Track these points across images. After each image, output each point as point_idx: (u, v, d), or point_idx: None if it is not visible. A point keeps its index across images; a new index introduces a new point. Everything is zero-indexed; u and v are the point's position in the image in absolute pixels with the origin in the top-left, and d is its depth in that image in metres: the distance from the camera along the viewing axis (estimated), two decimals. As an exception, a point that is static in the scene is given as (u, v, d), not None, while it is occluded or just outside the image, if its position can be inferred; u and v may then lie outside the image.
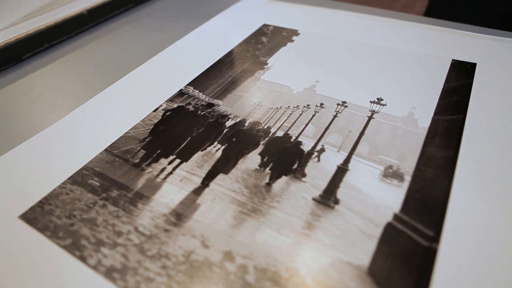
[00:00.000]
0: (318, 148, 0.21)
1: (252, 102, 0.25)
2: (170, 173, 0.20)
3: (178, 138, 0.22)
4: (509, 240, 0.16)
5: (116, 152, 0.22)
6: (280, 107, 0.25)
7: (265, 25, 0.35)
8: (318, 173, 0.20)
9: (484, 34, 0.31)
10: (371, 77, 0.27)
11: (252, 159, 0.21)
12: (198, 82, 0.27)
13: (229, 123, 0.23)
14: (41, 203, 0.19)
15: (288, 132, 0.22)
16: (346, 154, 0.21)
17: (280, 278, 0.15)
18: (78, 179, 0.20)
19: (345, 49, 0.30)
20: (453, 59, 0.28)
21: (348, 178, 0.19)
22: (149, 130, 0.23)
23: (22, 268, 0.16)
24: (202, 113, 0.24)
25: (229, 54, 0.31)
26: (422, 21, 0.34)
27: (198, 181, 0.20)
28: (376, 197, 0.18)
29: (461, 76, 0.26)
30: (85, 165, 0.21)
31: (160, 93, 0.26)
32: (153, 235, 0.17)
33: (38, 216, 0.18)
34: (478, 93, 0.25)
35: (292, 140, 0.22)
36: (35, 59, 0.32)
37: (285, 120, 0.23)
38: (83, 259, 0.16)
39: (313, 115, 0.24)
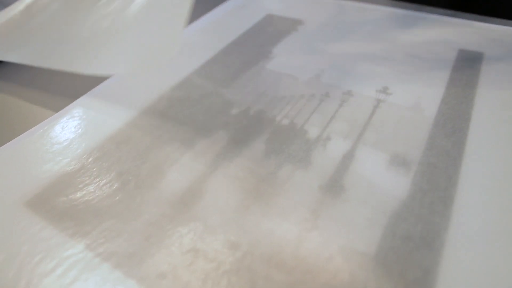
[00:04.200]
0: (323, 136, 0.21)
1: (257, 91, 0.25)
2: (175, 161, 0.20)
3: (182, 127, 0.22)
4: (518, 228, 0.16)
5: (119, 141, 0.21)
6: (285, 96, 0.24)
7: (268, 15, 0.34)
8: (324, 162, 0.20)
9: (491, 24, 0.31)
10: (377, 66, 0.27)
11: (258, 147, 0.21)
12: (203, 70, 0.27)
13: (233, 112, 0.23)
14: (46, 191, 0.19)
15: (294, 121, 0.22)
16: (352, 143, 0.21)
17: (286, 266, 0.15)
18: (83, 167, 0.20)
19: (350, 38, 0.30)
20: (459, 48, 0.28)
21: (354, 166, 0.19)
22: (153, 119, 0.23)
23: (27, 255, 0.16)
24: (207, 101, 0.24)
25: (233, 44, 0.30)
26: (428, 10, 0.34)
27: (203, 169, 0.20)
28: (383, 186, 0.18)
29: (468, 66, 0.26)
30: (89, 154, 0.21)
31: (164, 82, 0.26)
32: (159, 222, 0.17)
33: (43, 204, 0.18)
34: (485, 82, 0.24)
35: (297, 128, 0.22)
36: (38, 48, 0.32)
37: (290, 109, 0.23)
38: (89, 246, 0.16)
39: (319, 104, 0.24)
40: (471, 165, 0.19)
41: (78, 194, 0.18)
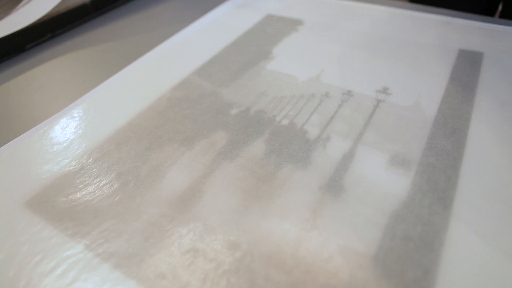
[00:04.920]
0: (323, 136, 0.21)
1: (256, 91, 0.25)
2: (175, 161, 0.20)
3: (182, 127, 0.22)
4: (518, 228, 0.16)
5: (119, 141, 0.21)
6: (285, 96, 0.24)
7: (268, 15, 0.34)
8: (323, 162, 0.20)
9: (491, 24, 0.31)
10: (377, 66, 0.27)
11: (257, 148, 0.21)
12: (203, 71, 0.27)
13: (233, 112, 0.23)
14: (45, 191, 0.19)
15: (294, 121, 0.22)
16: (352, 142, 0.21)
17: (286, 265, 0.15)
18: (82, 168, 0.20)
19: (350, 39, 0.30)
20: (459, 49, 0.28)
21: (354, 166, 0.19)
22: (153, 119, 0.23)
23: (27, 255, 0.16)
24: (207, 101, 0.24)
25: (233, 44, 0.30)
26: (428, 10, 0.34)
27: (202, 169, 0.20)
28: (382, 186, 0.18)
29: (468, 66, 0.26)
30: (89, 154, 0.21)
31: (164, 82, 0.26)
32: (158, 223, 0.17)
33: (43, 204, 0.18)
34: (485, 82, 0.24)
35: (297, 128, 0.22)
36: (39, 48, 0.32)
37: (290, 109, 0.23)
38: (88, 247, 0.16)
39: (319, 104, 0.24)
40: (471, 165, 0.19)
41: (78, 195, 0.19)
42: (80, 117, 0.24)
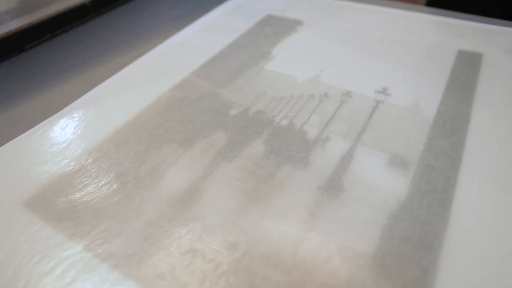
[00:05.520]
0: (322, 137, 0.21)
1: (256, 91, 0.25)
2: (174, 161, 0.20)
3: (181, 127, 0.22)
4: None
5: (118, 142, 0.22)
6: (284, 96, 0.24)
7: (268, 15, 0.34)
8: (322, 162, 0.20)
9: (491, 25, 0.31)
10: (376, 67, 0.27)
11: (257, 148, 0.21)
12: (202, 71, 0.27)
13: (233, 112, 0.23)
14: (45, 191, 0.19)
15: (293, 122, 0.22)
16: (351, 143, 0.21)
17: (285, 266, 0.15)
18: (82, 168, 0.20)
19: (350, 39, 0.30)
20: (459, 49, 0.28)
21: (353, 167, 0.19)
22: (152, 119, 0.23)
23: (26, 255, 0.16)
24: (206, 102, 0.24)
25: (233, 44, 0.30)
26: (427, 11, 0.34)
27: (201, 169, 0.20)
28: (381, 186, 0.18)
29: (467, 66, 0.26)
30: (88, 155, 0.21)
31: (163, 82, 0.26)
32: (157, 223, 0.17)
33: (42, 204, 0.18)
34: (485, 83, 0.24)
35: (296, 129, 0.22)
36: (38, 48, 0.32)
37: (289, 110, 0.23)
38: (87, 247, 0.16)
39: (318, 105, 0.24)
40: (470, 166, 0.19)
41: (77, 195, 0.19)
42: (80, 117, 0.24)
